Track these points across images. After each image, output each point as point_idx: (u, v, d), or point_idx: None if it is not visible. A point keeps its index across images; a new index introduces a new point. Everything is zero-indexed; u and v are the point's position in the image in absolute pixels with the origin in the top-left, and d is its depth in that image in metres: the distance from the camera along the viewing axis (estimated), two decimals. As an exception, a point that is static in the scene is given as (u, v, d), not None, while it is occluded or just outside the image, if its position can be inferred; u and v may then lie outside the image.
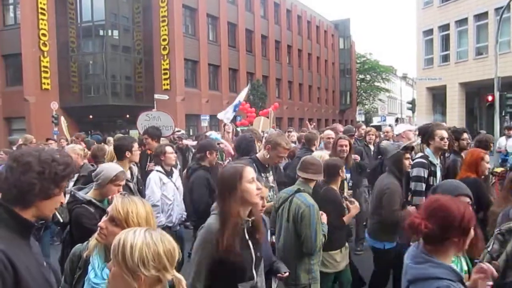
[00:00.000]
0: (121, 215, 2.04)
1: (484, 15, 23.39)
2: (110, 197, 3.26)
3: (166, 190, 5.14)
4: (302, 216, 3.52)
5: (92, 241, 2.16)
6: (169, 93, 25.73)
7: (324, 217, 3.68)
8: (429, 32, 27.46)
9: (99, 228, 2.10)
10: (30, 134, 10.77)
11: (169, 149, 5.31)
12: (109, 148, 5.93)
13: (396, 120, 33.24)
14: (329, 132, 6.74)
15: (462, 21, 24.90)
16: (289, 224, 3.63)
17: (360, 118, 33.38)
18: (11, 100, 24.49)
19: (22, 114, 24.19)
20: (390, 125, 18.24)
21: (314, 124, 17.78)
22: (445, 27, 26.13)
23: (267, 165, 4.23)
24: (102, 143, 8.81)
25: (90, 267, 2.10)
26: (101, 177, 3.29)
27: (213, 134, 8.29)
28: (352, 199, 4.35)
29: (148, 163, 6.24)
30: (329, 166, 4.20)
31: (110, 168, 3.40)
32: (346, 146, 5.42)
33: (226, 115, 10.91)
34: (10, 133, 23.35)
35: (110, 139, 9.77)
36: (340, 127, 7.78)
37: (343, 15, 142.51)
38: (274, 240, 3.95)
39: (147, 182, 5.17)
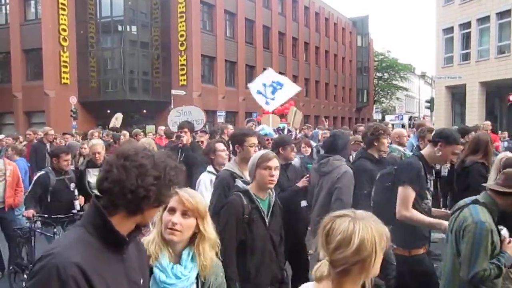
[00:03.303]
0: (193, 205, 2.02)
1: (507, 13, 22.89)
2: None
3: None
4: (465, 231, 2.82)
5: (153, 243, 2.02)
6: (186, 89, 25.88)
7: (509, 247, 2.83)
8: (450, 30, 26.98)
9: (170, 225, 1.99)
10: (51, 128, 10.89)
11: (220, 146, 4.63)
12: (142, 141, 5.90)
13: (410, 119, 32.64)
14: (401, 131, 6.19)
15: (484, 19, 24.40)
16: (451, 237, 3.04)
17: (377, 116, 33.14)
18: (32, 94, 24.94)
19: (42, 108, 24.62)
20: (403, 125, 17.71)
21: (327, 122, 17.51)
22: (466, 25, 25.64)
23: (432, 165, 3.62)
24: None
25: (155, 269, 1.98)
26: (249, 166, 3.05)
27: (265, 129, 7.84)
28: None
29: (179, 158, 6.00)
30: None
31: (257, 153, 3.15)
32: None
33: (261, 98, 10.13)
34: (30, 127, 23.72)
35: (126, 133, 9.86)
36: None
37: (361, 12, 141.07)
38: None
39: (196, 184, 4.43)
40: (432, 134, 4.06)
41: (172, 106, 21.94)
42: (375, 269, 1.52)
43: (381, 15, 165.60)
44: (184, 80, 27.82)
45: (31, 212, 4.78)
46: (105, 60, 27.32)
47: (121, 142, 8.35)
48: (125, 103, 26.17)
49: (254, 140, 3.77)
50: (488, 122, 11.25)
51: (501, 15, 23.44)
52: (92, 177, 5.47)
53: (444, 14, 27.39)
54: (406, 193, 3.36)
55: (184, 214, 2.01)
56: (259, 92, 10.09)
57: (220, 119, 23.12)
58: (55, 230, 4.75)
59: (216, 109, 26.93)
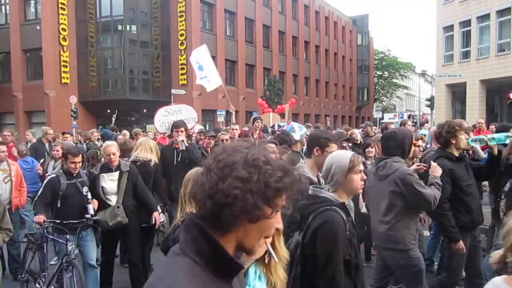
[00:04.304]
0: None
1: (507, 10, 22.85)
2: None
3: None
4: None
5: None
6: (186, 88, 25.87)
7: None
8: (450, 28, 26.95)
9: None
10: (50, 127, 10.88)
11: (271, 147, 4.09)
12: (140, 140, 5.83)
13: (409, 117, 32.56)
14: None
15: (484, 17, 24.36)
16: None
17: (377, 115, 33.11)
18: (32, 94, 24.98)
19: (42, 107, 24.65)
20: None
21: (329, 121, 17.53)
22: (467, 23, 25.60)
23: None
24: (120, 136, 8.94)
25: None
26: (335, 172, 2.64)
27: (296, 129, 7.38)
28: None
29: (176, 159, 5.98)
30: None
31: (338, 156, 2.73)
32: None
33: (210, 83, 10.26)
34: (30, 126, 23.79)
35: (126, 132, 9.86)
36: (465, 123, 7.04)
37: (361, 11, 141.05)
38: None
39: None
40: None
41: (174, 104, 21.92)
42: None
43: (381, 13, 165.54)
44: (184, 79, 27.82)
45: (41, 217, 4.51)
46: (105, 60, 27.34)
47: (118, 140, 8.32)
48: (125, 103, 26.18)
49: (335, 148, 3.46)
50: (482, 120, 11.28)
51: (501, 13, 23.40)
52: (107, 182, 5.02)
53: (444, 12, 27.36)
54: None
55: None
56: (205, 78, 10.15)
57: (220, 118, 23.05)
58: (67, 236, 4.53)
59: (216, 109, 26.92)
